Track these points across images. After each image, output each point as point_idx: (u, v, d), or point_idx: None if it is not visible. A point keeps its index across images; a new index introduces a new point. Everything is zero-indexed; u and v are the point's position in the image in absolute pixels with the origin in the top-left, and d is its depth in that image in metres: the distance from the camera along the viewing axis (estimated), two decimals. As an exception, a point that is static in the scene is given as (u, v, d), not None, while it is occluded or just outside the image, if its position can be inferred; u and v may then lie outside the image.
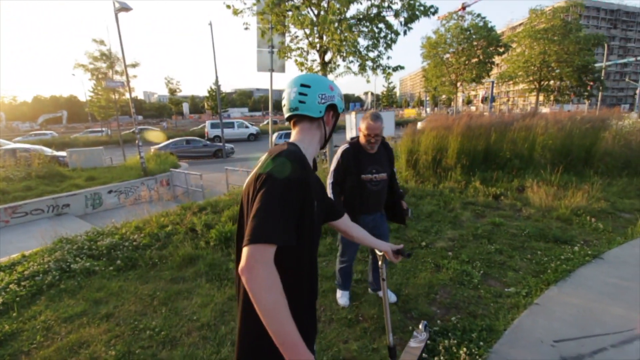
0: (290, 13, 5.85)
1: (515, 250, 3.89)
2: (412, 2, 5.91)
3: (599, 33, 21.57)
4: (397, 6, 5.98)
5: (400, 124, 19.25)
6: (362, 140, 2.55)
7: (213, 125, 25.70)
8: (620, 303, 2.82)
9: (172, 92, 38.17)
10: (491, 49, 19.25)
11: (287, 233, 0.88)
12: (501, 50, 19.52)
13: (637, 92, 16.52)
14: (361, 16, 6.10)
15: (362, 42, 6.23)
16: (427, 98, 65.91)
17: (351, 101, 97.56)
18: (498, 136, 7.70)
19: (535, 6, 19.69)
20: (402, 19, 5.98)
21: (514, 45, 20.52)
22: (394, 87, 50.92)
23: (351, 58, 5.97)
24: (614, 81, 76.84)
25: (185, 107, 59.04)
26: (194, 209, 5.20)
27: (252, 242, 0.84)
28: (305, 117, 1.15)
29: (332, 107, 1.18)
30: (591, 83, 21.21)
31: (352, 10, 7.03)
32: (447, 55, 20.80)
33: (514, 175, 6.85)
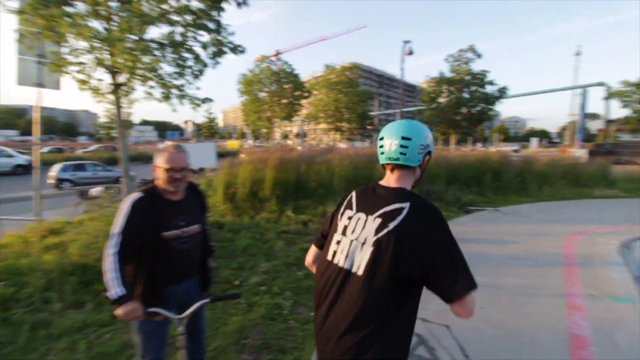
0: (66, 19, 4.75)
1: (320, 272, 4.26)
2: (219, 38, 5.94)
3: (371, 90, 29.14)
4: (204, 39, 5.89)
5: (222, 155, 19.12)
6: (161, 182, 1.80)
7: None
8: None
9: None
10: (297, 92, 22.56)
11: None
12: (306, 94, 23.25)
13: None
14: (165, 41, 5.64)
15: (168, 68, 5.77)
16: (248, 131, 69.02)
17: (169, 129, 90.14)
18: (306, 168, 8.67)
19: (328, 62, 24.84)
20: (210, 52, 5.90)
21: (315, 92, 24.80)
22: (214, 118, 50.73)
23: (152, 83, 5.36)
24: (384, 125, 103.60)
25: None
26: None
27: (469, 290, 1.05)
28: (408, 168, 1.24)
29: (428, 154, 1.27)
30: (369, 127, 27.85)
31: (155, 33, 6.46)
32: (263, 94, 22.83)
33: (319, 203, 7.78)
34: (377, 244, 1.11)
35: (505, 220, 7.12)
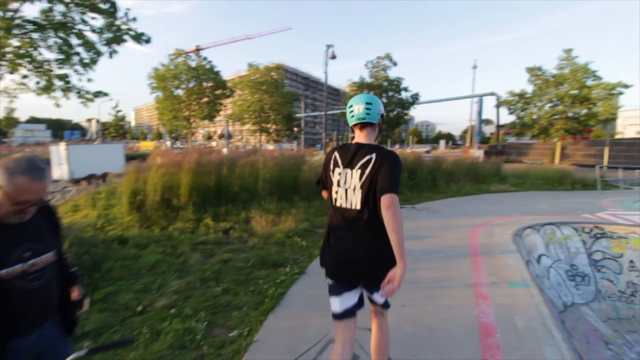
0: None
1: (240, 285, 3.92)
2: (117, 23, 5.14)
3: (296, 91, 29.22)
4: (98, 23, 5.03)
5: (134, 157, 17.21)
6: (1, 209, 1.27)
7: None
8: (318, 311, 3.31)
9: None
10: (219, 91, 21.37)
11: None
12: (227, 93, 22.14)
13: (323, 136, 23.07)
14: (43, 21, 4.66)
15: (49, 54, 4.78)
16: (165, 131, 63.80)
17: (68, 128, 78.15)
18: (228, 171, 8.14)
19: (252, 61, 24.09)
20: (104, 39, 5.06)
21: (239, 91, 23.83)
22: (124, 116, 45.34)
23: (26, 72, 4.37)
24: (310, 128, 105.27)
25: None
26: None
27: (392, 191, 1.64)
28: (370, 124, 1.88)
29: (382, 117, 1.89)
30: (295, 129, 27.91)
31: (31, 10, 5.30)
32: (180, 92, 21.05)
33: (242, 208, 7.34)
34: (362, 186, 1.77)
35: (420, 217, 7.62)
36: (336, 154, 1.92)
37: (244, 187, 8.19)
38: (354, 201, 1.79)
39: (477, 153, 22.77)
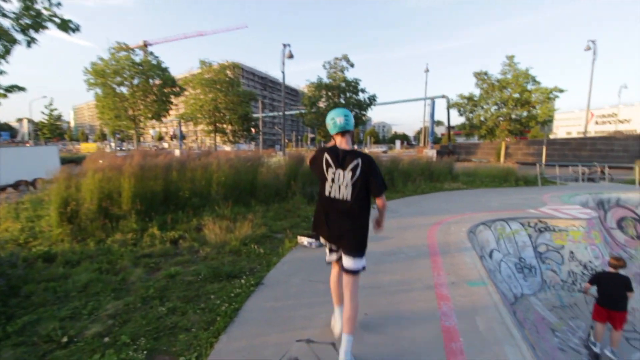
0: None
1: (189, 302, 3.53)
2: (35, 7, 4.46)
3: (253, 91, 28.29)
4: (10, 6, 4.31)
5: (72, 161, 15.60)
6: None
7: None
8: (276, 327, 3.04)
9: None
10: (167, 89, 19.99)
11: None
12: (177, 91, 20.78)
13: (282, 137, 22.66)
14: None
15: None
16: (108, 132, 59.39)
17: (-6, 130, 69.86)
18: (177, 175, 7.55)
19: (204, 58, 22.90)
20: (20, 25, 4.36)
21: (190, 90, 22.53)
22: (59, 115, 41.06)
23: None
24: (269, 128, 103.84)
25: None
26: None
27: (382, 193, 2.45)
28: (348, 132, 2.52)
29: (354, 124, 3.30)
30: (253, 130, 27.13)
31: None
32: (124, 89, 19.31)
33: (193, 215, 6.82)
34: (353, 184, 2.40)
35: (380, 217, 7.62)
36: (327, 155, 2.53)
37: (196, 192, 7.66)
38: (346, 194, 2.46)
39: (431, 153, 23.77)
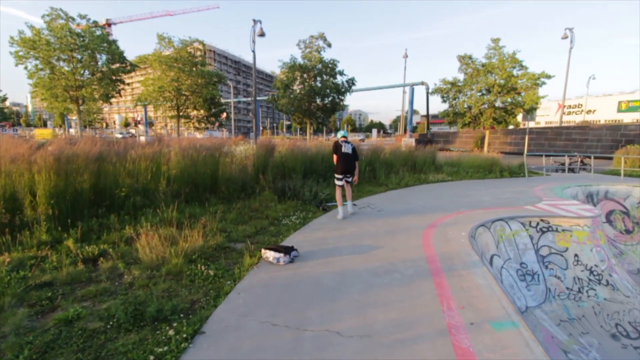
0: None
1: (78, 377, 2.24)
2: None
3: (220, 72, 25.77)
4: None
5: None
6: None
7: None
8: None
9: None
10: (116, 65, 17.55)
11: None
12: (125, 67, 18.29)
13: (253, 123, 21.02)
14: None
15: None
16: (72, 117, 54.83)
17: None
18: (113, 168, 6.05)
19: (163, 32, 20.43)
20: None
21: (149, 69, 20.12)
22: (4, 97, 36.69)
23: None
24: (244, 115, 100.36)
25: None
26: None
27: (358, 159, 6.83)
28: (345, 137, 6.83)
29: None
30: (223, 114, 25.08)
31: None
32: (63, 64, 16.65)
33: (131, 219, 5.40)
34: (352, 150, 6.59)
35: (362, 217, 6.50)
36: (341, 142, 6.55)
37: (138, 189, 6.20)
38: (350, 156, 6.52)
39: (410, 141, 22.95)
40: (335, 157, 6.49)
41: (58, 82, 16.22)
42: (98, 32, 16.62)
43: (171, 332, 2.67)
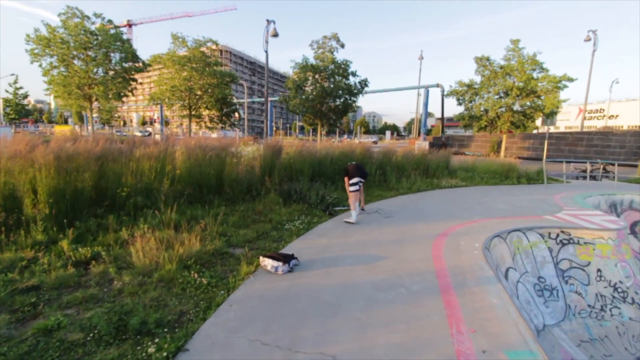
0: None
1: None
2: None
3: (233, 72, 25.76)
4: None
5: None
6: None
7: None
8: None
9: None
10: (129, 64, 17.69)
11: None
12: (139, 66, 18.42)
13: (265, 123, 20.94)
14: None
15: None
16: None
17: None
18: (117, 167, 5.95)
19: (177, 32, 20.54)
20: None
21: (163, 69, 20.22)
22: (26, 94, 37.69)
23: None
24: (259, 115, 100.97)
25: None
26: None
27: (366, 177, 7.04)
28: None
29: None
30: (236, 115, 25.09)
31: None
32: (79, 62, 16.86)
33: (131, 219, 5.27)
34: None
35: (370, 223, 6.21)
36: (351, 166, 6.75)
37: (142, 189, 6.08)
38: (360, 166, 6.80)
39: (423, 144, 22.43)
40: (346, 179, 6.58)
41: (72, 79, 16.47)
42: (112, 31, 16.79)
43: (152, 349, 2.47)
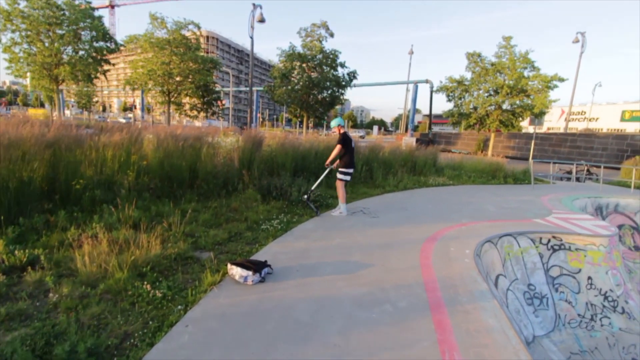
0: None
1: None
2: None
3: (216, 57, 24.58)
4: None
5: None
6: None
7: None
8: None
9: None
10: (100, 43, 16.49)
11: None
12: (110, 46, 17.23)
13: (248, 112, 20.17)
14: None
15: None
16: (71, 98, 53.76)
17: None
18: (71, 156, 5.30)
19: (155, 12, 19.34)
20: None
21: (140, 51, 19.01)
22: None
23: None
24: (245, 105, 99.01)
25: None
26: None
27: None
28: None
29: (338, 125, 6.46)
30: (220, 103, 24.11)
31: None
32: (42, 39, 15.51)
33: (85, 215, 4.67)
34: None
35: (354, 224, 5.79)
36: (349, 134, 6.24)
37: (102, 182, 5.46)
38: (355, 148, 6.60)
39: (410, 140, 22.20)
40: (338, 148, 5.98)
41: (35, 58, 15.19)
42: (82, 6, 15.48)
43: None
